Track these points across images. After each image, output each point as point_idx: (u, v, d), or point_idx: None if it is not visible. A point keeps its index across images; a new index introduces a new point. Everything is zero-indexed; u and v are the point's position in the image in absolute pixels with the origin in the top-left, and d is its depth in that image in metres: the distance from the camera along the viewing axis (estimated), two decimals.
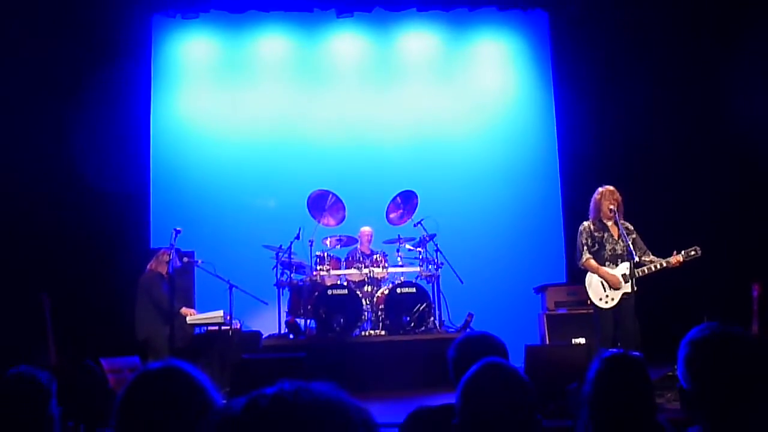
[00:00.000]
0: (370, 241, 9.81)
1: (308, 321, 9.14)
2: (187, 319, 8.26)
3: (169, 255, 8.19)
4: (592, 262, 7.11)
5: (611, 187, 7.22)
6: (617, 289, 6.99)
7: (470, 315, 8.95)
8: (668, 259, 6.92)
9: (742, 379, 2.08)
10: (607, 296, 7.03)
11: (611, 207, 7.08)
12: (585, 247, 7.15)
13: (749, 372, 2.10)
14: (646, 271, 6.95)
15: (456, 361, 3.19)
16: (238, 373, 6.51)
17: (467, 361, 2.60)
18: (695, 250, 6.91)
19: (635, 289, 6.89)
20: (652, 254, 7.10)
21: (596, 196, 7.26)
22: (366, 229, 9.83)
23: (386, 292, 9.05)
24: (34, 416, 2.80)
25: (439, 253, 9.33)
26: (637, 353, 2.79)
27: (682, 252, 6.91)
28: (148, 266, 8.47)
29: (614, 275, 7.02)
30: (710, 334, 2.17)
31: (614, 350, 2.72)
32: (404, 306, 8.86)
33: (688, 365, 2.16)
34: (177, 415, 1.82)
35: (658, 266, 6.95)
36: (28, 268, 8.85)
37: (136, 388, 1.90)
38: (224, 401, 1.88)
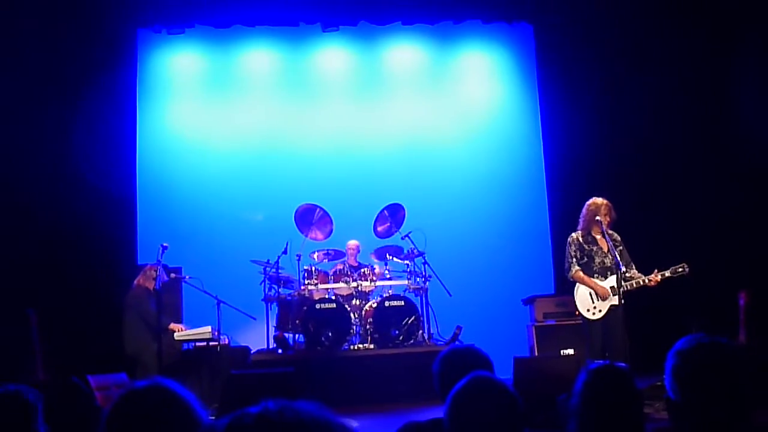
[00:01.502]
0: (356, 255, 9.82)
1: (297, 335, 9.13)
2: (175, 335, 8.22)
3: (156, 271, 8.14)
4: (581, 273, 7.07)
5: (608, 202, 7.12)
6: (605, 299, 6.98)
7: (459, 328, 8.93)
8: (649, 276, 6.85)
9: (729, 389, 2.09)
10: (594, 307, 7.00)
11: (607, 221, 7.03)
12: (574, 259, 7.12)
13: (736, 381, 2.11)
14: (635, 285, 6.90)
15: (441, 375, 3.20)
16: (227, 389, 6.47)
17: (452, 375, 2.60)
18: (683, 267, 6.83)
19: (623, 301, 6.88)
20: (638, 265, 7.08)
21: (591, 207, 7.12)
22: (352, 242, 9.84)
23: (374, 305, 9.04)
24: None
25: (426, 266, 9.33)
26: (623, 364, 2.79)
27: (669, 269, 6.83)
28: (135, 282, 8.42)
29: (603, 286, 6.99)
30: (697, 345, 2.18)
31: (600, 362, 2.73)
32: (393, 319, 8.84)
33: (675, 376, 2.17)
34: None
35: (640, 282, 6.89)
36: (15, 283, 8.78)
37: (123, 407, 1.89)
38: (211, 418, 1.87)
